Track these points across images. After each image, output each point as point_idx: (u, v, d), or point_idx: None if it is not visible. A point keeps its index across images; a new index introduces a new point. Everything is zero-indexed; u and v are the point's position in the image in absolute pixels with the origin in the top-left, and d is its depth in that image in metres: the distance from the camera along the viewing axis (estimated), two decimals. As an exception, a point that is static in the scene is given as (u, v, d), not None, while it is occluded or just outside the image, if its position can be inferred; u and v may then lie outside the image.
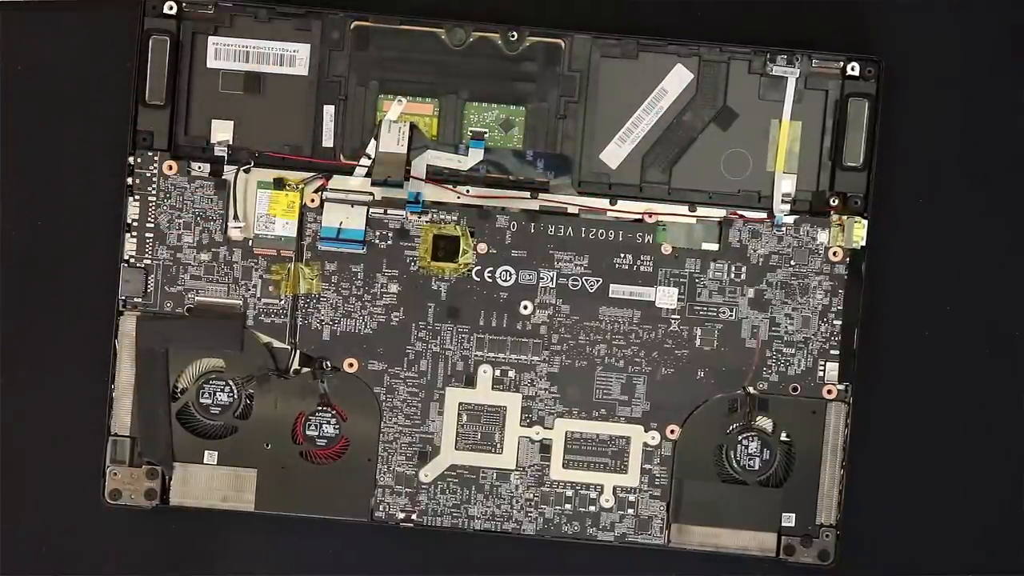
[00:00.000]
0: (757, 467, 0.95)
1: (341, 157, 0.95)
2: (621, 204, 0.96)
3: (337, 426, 0.95)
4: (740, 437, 0.95)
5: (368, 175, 0.95)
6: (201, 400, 0.95)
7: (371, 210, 0.95)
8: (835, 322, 0.96)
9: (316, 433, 0.95)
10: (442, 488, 0.96)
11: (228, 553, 0.98)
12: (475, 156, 0.95)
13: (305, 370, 0.96)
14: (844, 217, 0.95)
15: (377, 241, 0.95)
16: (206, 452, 0.95)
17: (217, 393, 0.95)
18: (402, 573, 0.98)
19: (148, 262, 0.95)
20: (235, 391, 0.95)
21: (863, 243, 0.95)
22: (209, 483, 0.95)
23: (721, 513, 0.96)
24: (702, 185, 0.96)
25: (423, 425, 0.96)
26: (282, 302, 0.96)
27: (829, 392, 0.96)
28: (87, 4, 0.98)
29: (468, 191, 0.95)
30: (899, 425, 0.98)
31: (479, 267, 0.96)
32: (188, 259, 0.95)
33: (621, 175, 0.96)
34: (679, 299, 0.96)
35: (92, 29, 0.98)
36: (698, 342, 0.96)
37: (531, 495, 0.96)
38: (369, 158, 0.95)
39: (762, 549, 0.96)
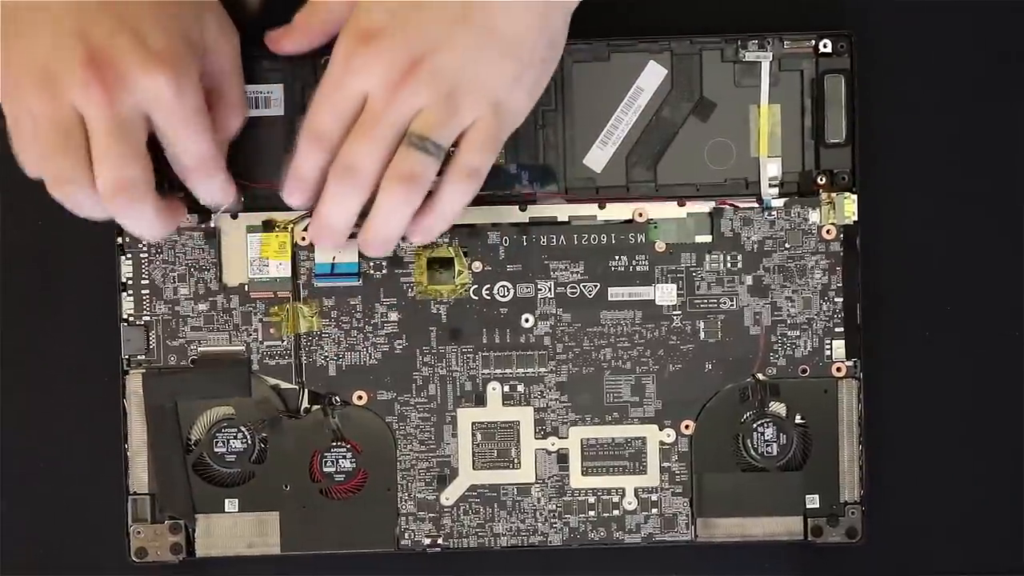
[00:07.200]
0: (775, 452, 0.95)
1: (326, 192, 0.95)
2: (610, 207, 0.96)
3: (353, 460, 0.95)
4: (755, 425, 0.95)
5: (355, 207, 0.95)
6: (215, 449, 0.95)
7: (362, 241, 0.95)
8: (836, 299, 0.96)
9: (333, 469, 0.95)
10: (464, 509, 0.96)
11: (260, 598, 0.98)
12: (459, 176, 0.95)
13: (315, 408, 0.96)
14: (833, 194, 0.95)
15: (372, 272, 0.95)
16: (226, 500, 0.95)
17: (230, 441, 0.95)
18: (435, 598, 0.98)
19: (147, 319, 0.95)
20: (248, 437, 0.95)
21: (855, 218, 0.95)
22: (233, 531, 0.95)
23: (745, 502, 0.96)
24: (688, 178, 0.96)
25: (439, 449, 0.96)
26: (284, 343, 0.96)
27: (838, 370, 0.96)
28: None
29: (456, 211, 0.95)
30: (913, 395, 0.98)
31: (476, 286, 0.96)
32: (187, 311, 0.95)
33: (607, 178, 0.96)
34: (678, 294, 0.96)
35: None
36: (702, 335, 0.96)
37: (554, 506, 0.96)
38: (354, 190, 0.95)
39: (789, 533, 0.96)
